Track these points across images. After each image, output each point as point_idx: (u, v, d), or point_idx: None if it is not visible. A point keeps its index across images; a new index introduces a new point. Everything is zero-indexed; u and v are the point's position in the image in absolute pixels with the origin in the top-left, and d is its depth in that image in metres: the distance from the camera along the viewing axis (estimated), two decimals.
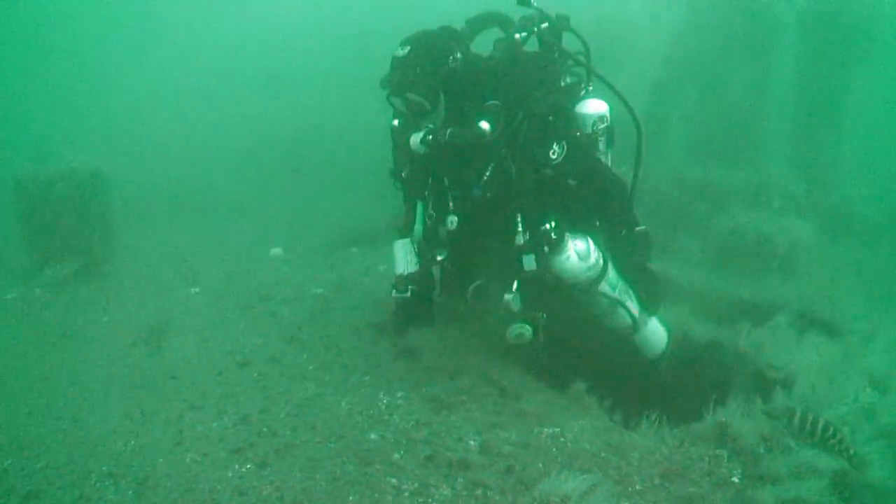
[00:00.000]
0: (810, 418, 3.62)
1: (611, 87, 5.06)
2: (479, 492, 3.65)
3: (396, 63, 4.62)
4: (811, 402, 4.39)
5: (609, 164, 5.33)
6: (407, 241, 5.51)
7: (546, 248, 4.59)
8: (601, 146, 5.14)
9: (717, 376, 5.54)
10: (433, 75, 4.57)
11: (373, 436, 4.23)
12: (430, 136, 4.49)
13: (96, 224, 7.62)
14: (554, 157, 4.66)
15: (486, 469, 3.81)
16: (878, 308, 6.67)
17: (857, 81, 10.93)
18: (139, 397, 4.77)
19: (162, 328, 5.97)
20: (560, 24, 5.05)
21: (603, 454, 4.02)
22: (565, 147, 4.69)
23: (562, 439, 4.19)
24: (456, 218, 4.81)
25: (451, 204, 4.91)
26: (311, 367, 5.30)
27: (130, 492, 3.65)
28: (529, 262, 4.60)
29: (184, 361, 5.40)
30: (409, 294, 5.42)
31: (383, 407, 4.62)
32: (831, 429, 3.58)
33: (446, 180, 4.93)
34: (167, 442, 4.15)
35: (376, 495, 3.60)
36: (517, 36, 4.84)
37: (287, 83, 19.02)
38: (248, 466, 3.87)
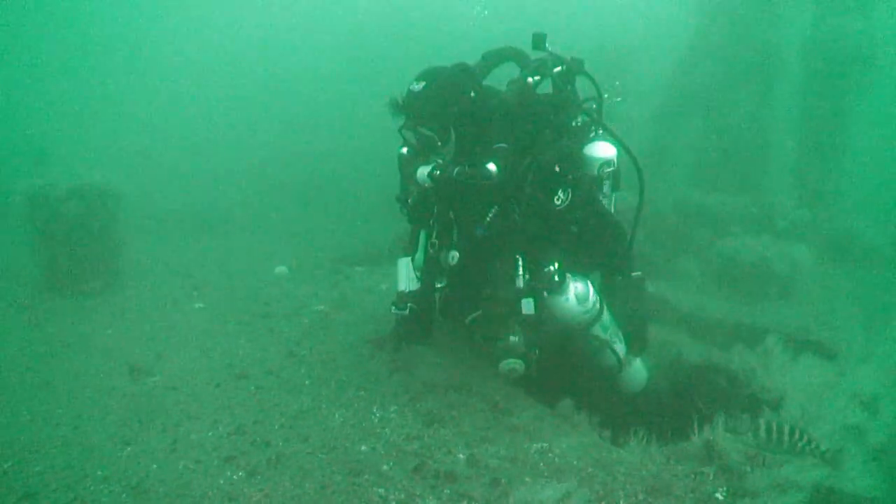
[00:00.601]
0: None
1: (615, 136, 5.17)
2: (464, 503, 3.71)
3: (411, 97, 4.67)
4: (801, 423, 4.43)
5: (612, 206, 5.46)
6: (410, 259, 5.60)
7: (545, 293, 4.70)
8: (605, 189, 5.27)
9: (709, 398, 5.59)
10: (446, 112, 4.64)
11: (363, 448, 4.30)
12: (438, 172, 4.56)
13: (104, 239, 7.77)
14: (558, 203, 4.76)
15: (471, 481, 3.87)
16: (874, 331, 6.68)
17: (859, 108, 10.99)
18: (138, 406, 4.87)
19: (160, 349, 6.09)
20: (574, 68, 5.13)
21: (590, 469, 4.07)
22: (570, 194, 4.79)
23: (549, 454, 4.24)
24: (457, 254, 4.89)
25: (454, 238, 5.00)
26: (307, 382, 5.39)
27: (124, 495, 3.74)
28: (528, 306, 4.67)
29: (184, 373, 5.51)
30: (407, 311, 5.45)
31: (376, 420, 4.70)
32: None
33: (451, 214, 5.01)
34: (162, 449, 4.24)
35: None
36: (529, 80, 4.92)
37: (296, 101, 19.35)
38: (240, 474, 3.95)
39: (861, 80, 10.79)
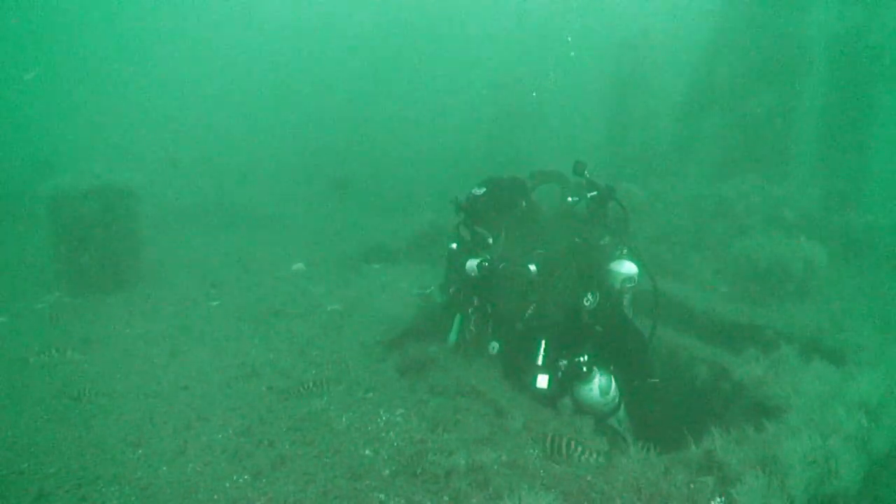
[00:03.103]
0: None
1: (636, 254, 5.65)
2: None
3: (473, 200, 5.61)
4: (807, 431, 4.41)
5: (631, 316, 5.85)
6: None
7: (558, 374, 5.19)
8: (626, 301, 5.74)
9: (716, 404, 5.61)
10: (501, 217, 5.54)
11: (367, 451, 4.38)
12: (486, 265, 5.35)
13: (124, 238, 7.93)
14: (587, 304, 5.28)
15: (470, 488, 3.93)
16: (888, 333, 6.57)
17: (884, 102, 10.79)
18: (151, 407, 5.01)
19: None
20: (606, 194, 5.72)
21: (589, 478, 4.10)
22: (598, 297, 5.32)
23: (550, 461, 4.28)
24: (497, 344, 5.48)
25: (489, 329, 5.50)
26: (317, 382, 5.48)
27: (133, 498, 3.86)
28: (542, 381, 5.15)
29: (197, 372, 5.65)
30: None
31: (381, 424, 4.78)
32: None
33: (489, 308, 5.60)
34: (172, 451, 4.37)
35: None
36: (569, 199, 5.66)
37: (313, 99, 19.48)
38: (245, 477, 4.07)
39: (886, 74, 10.57)
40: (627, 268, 5.48)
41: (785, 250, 7.84)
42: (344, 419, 4.85)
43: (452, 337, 5.98)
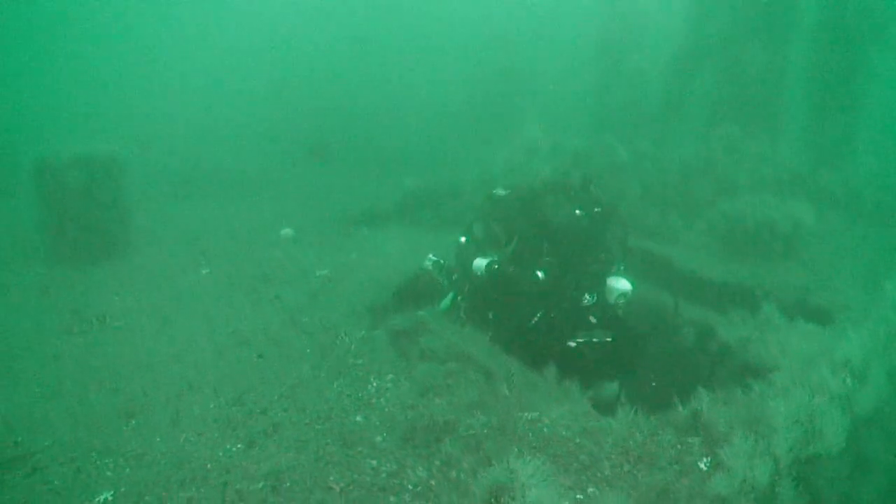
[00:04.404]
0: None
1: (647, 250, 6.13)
2: (452, 474, 3.83)
3: (495, 199, 5.97)
4: (792, 392, 4.48)
5: None
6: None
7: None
8: (620, 314, 5.97)
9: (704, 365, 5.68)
10: (518, 221, 5.73)
11: (358, 418, 4.43)
12: (496, 267, 5.60)
13: (111, 207, 7.84)
14: (586, 302, 5.67)
15: (462, 451, 3.99)
16: (874, 291, 6.62)
17: (872, 60, 10.71)
18: (143, 378, 5.03)
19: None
20: (609, 212, 5.96)
21: (577, 440, 4.17)
22: (595, 296, 5.70)
23: (539, 424, 4.34)
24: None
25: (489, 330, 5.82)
26: (308, 350, 5.51)
27: (128, 469, 3.90)
28: None
29: (188, 342, 5.65)
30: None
31: (372, 390, 4.82)
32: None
33: (490, 315, 5.83)
34: (165, 422, 4.40)
35: (355, 476, 3.80)
36: (577, 212, 5.81)
37: (302, 64, 19.15)
38: (239, 446, 4.11)
39: (875, 32, 10.48)
40: (622, 285, 5.80)
41: (772, 210, 7.86)
42: (335, 386, 4.89)
43: (445, 303, 6.12)
